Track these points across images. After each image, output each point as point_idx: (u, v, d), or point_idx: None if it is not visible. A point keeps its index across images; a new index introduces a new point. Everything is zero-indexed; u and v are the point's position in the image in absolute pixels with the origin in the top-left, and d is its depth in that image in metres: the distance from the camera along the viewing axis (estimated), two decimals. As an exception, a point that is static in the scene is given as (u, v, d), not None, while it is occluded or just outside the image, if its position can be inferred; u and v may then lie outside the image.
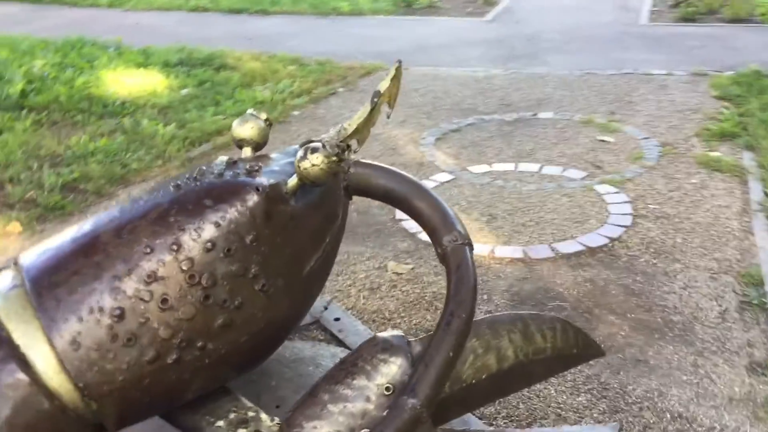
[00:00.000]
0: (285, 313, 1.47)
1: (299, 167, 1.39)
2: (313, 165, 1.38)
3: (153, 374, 1.30)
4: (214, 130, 4.47)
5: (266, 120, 1.59)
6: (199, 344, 1.34)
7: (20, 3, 9.74)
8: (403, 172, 1.55)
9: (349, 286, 2.70)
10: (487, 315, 1.64)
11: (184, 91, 5.31)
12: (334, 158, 1.39)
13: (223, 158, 1.52)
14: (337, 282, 2.72)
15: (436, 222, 1.47)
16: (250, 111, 1.60)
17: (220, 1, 9.37)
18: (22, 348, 1.25)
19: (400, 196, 1.52)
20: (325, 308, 2.46)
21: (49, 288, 1.29)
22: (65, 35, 6.98)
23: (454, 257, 1.42)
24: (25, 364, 1.25)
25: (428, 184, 3.65)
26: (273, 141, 4.20)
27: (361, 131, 1.52)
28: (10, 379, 1.24)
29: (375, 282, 2.73)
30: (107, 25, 8.12)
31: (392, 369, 1.36)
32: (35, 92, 5.10)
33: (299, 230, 1.45)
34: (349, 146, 1.50)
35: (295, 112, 4.93)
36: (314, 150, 1.38)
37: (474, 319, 1.40)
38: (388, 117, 1.55)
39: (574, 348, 1.55)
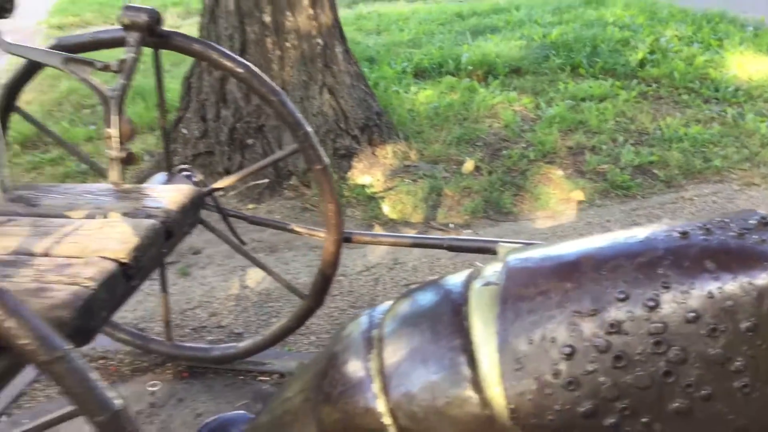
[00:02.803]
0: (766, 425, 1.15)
1: None
2: None
3: (584, 429, 1.18)
4: (830, 142, 3.77)
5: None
6: (644, 420, 1.15)
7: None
8: None
9: None
10: None
11: (813, 88, 4.59)
12: None
13: (759, 213, 1.22)
14: None
15: None
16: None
17: None
18: (475, 344, 1.27)
19: None
20: None
21: (515, 299, 1.27)
22: (708, 7, 6.73)
23: None
24: (472, 362, 1.27)
25: None
26: None
27: None
28: (456, 372, 1.28)
29: None
30: (759, 1, 7.51)
31: None
32: (652, 63, 5.09)
33: (824, 338, 1.09)
34: None
35: None
36: None
37: None
38: None
39: None
